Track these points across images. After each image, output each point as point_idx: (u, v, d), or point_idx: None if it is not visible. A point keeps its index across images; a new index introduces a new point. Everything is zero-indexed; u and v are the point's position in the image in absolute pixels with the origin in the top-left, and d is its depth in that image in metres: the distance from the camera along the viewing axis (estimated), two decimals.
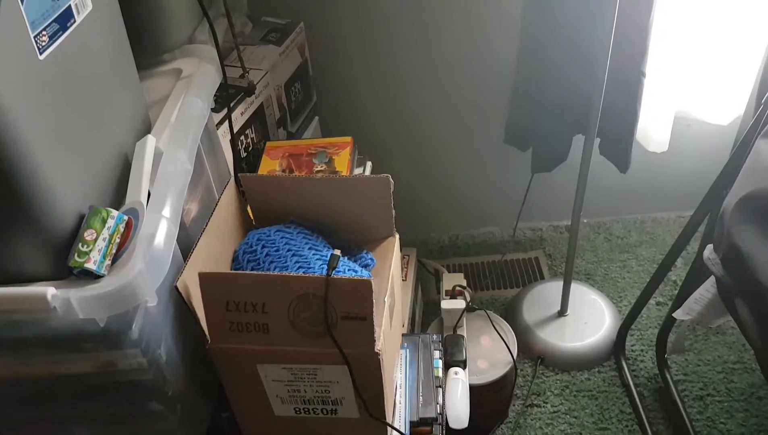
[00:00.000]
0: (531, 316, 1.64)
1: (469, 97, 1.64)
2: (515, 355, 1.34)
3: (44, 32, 0.64)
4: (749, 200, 0.84)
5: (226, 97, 1.07)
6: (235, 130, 1.10)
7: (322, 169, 1.15)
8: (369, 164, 1.25)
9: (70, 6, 0.68)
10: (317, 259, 0.82)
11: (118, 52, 0.82)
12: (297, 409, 0.84)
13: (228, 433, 0.91)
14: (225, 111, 1.07)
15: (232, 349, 0.76)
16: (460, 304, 1.31)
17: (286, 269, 0.81)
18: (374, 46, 1.56)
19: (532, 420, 1.47)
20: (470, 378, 1.21)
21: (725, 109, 1.51)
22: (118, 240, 0.69)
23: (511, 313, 1.68)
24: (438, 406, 0.98)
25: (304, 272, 0.80)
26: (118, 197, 0.77)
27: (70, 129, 0.70)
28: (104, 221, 0.68)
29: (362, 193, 0.88)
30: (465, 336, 1.27)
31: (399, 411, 0.95)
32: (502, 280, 1.83)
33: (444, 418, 0.99)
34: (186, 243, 0.82)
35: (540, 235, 1.93)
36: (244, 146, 1.19)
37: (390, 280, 0.86)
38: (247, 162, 1.20)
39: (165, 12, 1.01)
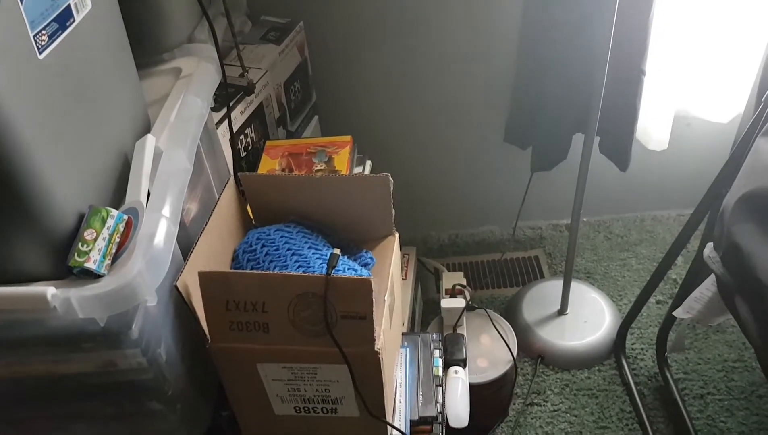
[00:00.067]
0: (531, 315, 1.64)
1: (469, 95, 1.64)
2: (515, 354, 1.34)
3: (44, 32, 0.64)
4: (749, 198, 0.84)
5: (225, 97, 1.07)
6: (234, 130, 1.10)
7: (321, 168, 1.15)
8: (368, 163, 1.25)
9: (69, 5, 0.68)
10: (317, 259, 0.82)
11: (117, 51, 0.82)
12: (297, 408, 0.84)
13: (228, 432, 0.91)
14: (224, 110, 1.07)
15: (232, 348, 0.76)
16: (460, 302, 1.31)
17: (286, 268, 0.81)
18: (374, 45, 1.56)
19: (532, 419, 1.47)
20: (470, 377, 1.22)
21: (725, 107, 1.51)
22: (117, 239, 0.69)
23: (511, 311, 1.68)
24: (438, 405, 0.98)
25: (303, 271, 0.80)
26: (117, 197, 0.77)
27: (69, 128, 0.69)
28: (104, 221, 0.68)
29: (362, 192, 0.88)
30: (465, 335, 1.27)
31: (399, 410, 0.95)
32: (501, 278, 1.83)
33: (444, 416, 0.99)
34: (186, 242, 0.82)
35: (540, 234, 1.93)
36: (243, 145, 1.19)
37: (390, 279, 0.86)
38: (246, 161, 1.20)
39: (164, 11, 1.01)
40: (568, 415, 1.46)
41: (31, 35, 0.62)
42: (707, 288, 1.01)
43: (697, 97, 1.53)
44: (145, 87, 0.91)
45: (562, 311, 1.63)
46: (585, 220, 1.93)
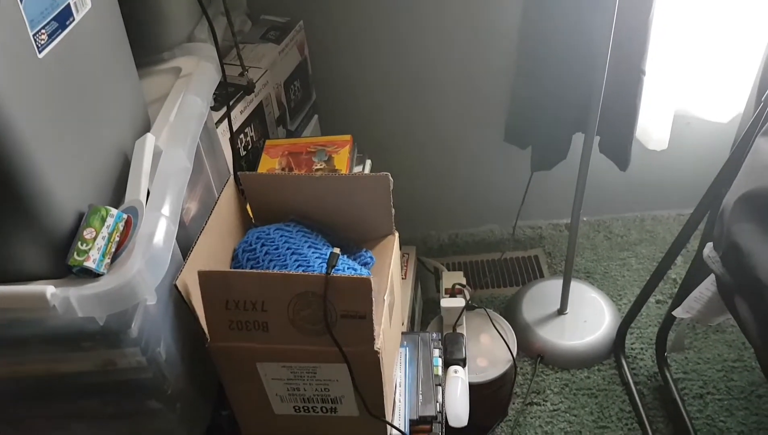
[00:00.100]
0: (531, 315, 1.64)
1: (469, 95, 1.64)
2: (515, 354, 1.34)
3: (43, 31, 0.64)
4: (749, 198, 0.84)
5: (225, 96, 1.07)
6: (234, 129, 1.10)
7: (321, 167, 1.15)
8: (368, 162, 1.25)
9: (69, 4, 0.68)
10: (317, 258, 0.82)
11: (117, 50, 0.82)
12: (297, 408, 0.84)
13: (228, 431, 0.91)
14: (224, 109, 1.07)
15: (232, 347, 0.76)
16: (459, 302, 1.31)
17: (286, 268, 0.81)
18: (374, 44, 1.56)
19: (531, 418, 1.47)
20: (470, 376, 1.22)
21: (725, 106, 1.51)
22: (117, 238, 0.69)
23: (510, 311, 1.68)
24: (438, 404, 0.98)
25: (303, 271, 0.80)
26: (117, 196, 0.77)
27: (69, 127, 0.69)
28: (103, 220, 0.68)
29: (362, 192, 0.88)
30: (465, 334, 1.27)
31: (399, 409, 0.95)
32: (501, 278, 1.83)
33: (444, 416, 0.99)
34: (185, 242, 0.82)
35: (540, 234, 1.93)
36: (243, 145, 1.19)
37: (389, 279, 0.86)
38: (246, 160, 1.20)
39: (164, 10, 1.01)
40: (568, 414, 1.47)
41: (31, 34, 0.62)
42: (707, 288, 1.01)
43: (697, 96, 1.53)
44: (145, 86, 0.91)
45: (561, 311, 1.63)
46: (585, 219, 1.93)
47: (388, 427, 0.87)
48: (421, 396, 0.98)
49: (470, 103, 1.66)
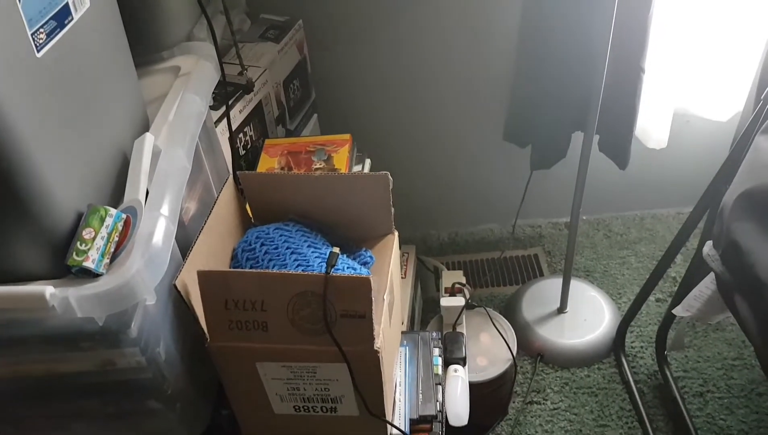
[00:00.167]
0: (530, 313, 1.64)
1: (469, 94, 1.64)
2: (515, 353, 1.34)
3: (41, 30, 0.64)
4: (748, 196, 0.84)
5: (224, 95, 1.07)
6: (233, 128, 1.09)
7: (320, 166, 1.15)
8: (368, 161, 1.25)
9: (67, 3, 0.68)
10: (316, 257, 0.82)
11: (115, 49, 0.82)
12: (296, 407, 0.83)
13: (227, 431, 0.91)
14: (223, 108, 1.06)
15: (232, 347, 0.76)
16: (459, 301, 1.31)
17: (285, 267, 0.81)
18: (373, 43, 1.56)
19: (531, 417, 1.47)
20: (470, 375, 1.22)
21: (724, 105, 1.51)
22: (116, 238, 0.68)
23: (510, 310, 1.68)
24: (438, 403, 0.98)
25: (303, 270, 0.80)
26: (116, 196, 0.77)
27: (67, 127, 0.69)
28: (102, 220, 0.68)
29: (361, 191, 0.88)
30: (464, 333, 1.27)
31: (399, 408, 0.95)
32: (501, 277, 1.83)
33: (444, 415, 0.99)
34: (185, 241, 0.82)
35: (539, 232, 1.93)
36: (242, 144, 1.18)
37: (389, 278, 0.86)
38: (245, 160, 1.19)
39: (163, 9, 1.01)
40: (568, 413, 1.47)
41: (29, 33, 0.62)
42: (707, 286, 1.01)
43: (697, 95, 1.53)
44: (144, 85, 0.90)
45: (561, 309, 1.63)
46: (584, 218, 1.93)
47: (389, 426, 0.87)
48: (421, 395, 0.98)
49: (470, 101, 1.66)
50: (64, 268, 0.66)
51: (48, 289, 0.62)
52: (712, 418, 1.42)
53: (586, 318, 1.62)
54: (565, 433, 1.43)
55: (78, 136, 0.71)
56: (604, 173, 1.61)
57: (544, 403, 1.49)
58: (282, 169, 1.16)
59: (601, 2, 1.17)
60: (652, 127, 1.53)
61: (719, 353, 1.55)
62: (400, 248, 1.03)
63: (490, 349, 1.36)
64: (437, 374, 1.02)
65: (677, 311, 1.10)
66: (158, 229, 0.69)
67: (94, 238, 0.66)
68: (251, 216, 0.95)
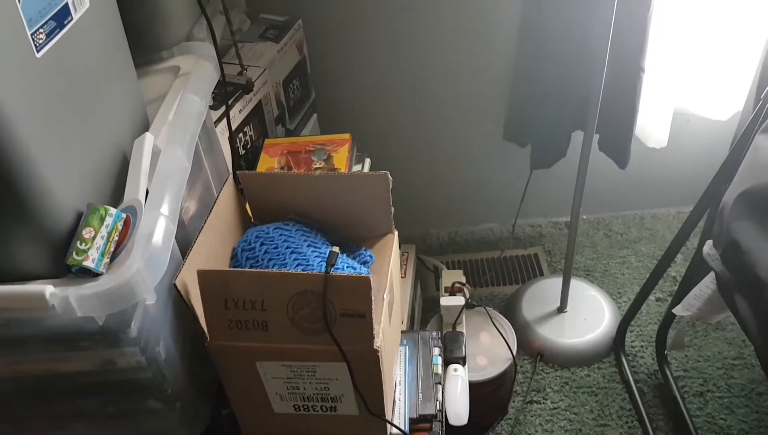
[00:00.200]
0: (530, 313, 1.64)
1: (468, 93, 1.64)
2: (515, 352, 1.34)
3: (41, 30, 0.64)
4: (749, 195, 0.84)
5: (224, 95, 1.07)
6: (233, 128, 1.09)
7: (320, 166, 1.15)
8: (368, 161, 1.25)
9: (67, 3, 0.68)
10: (316, 257, 0.82)
11: (115, 49, 0.82)
12: (296, 407, 0.84)
13: (227, 430, 0.91)
14: (223, 108, 1.06)
15: (231, 346, 0.76)
16: (459, 300, 1.31)
17: (285, 267, 0.81)
18: (372, 43, 1.56)
19: (531, 416, 1.47)
20: (470, 375, 1.22)
21: (724, 104, 1.51)
22: (116, 238, 0.69)
23: (510, 309, 1.68)
24: (437, 403, 0.98)
25: (302, 270, 0.80)
26: (116, 195, 0.77)
27: (67, 127, 0.69)
28: (102, 219, 0.68)
29: (361, 190, 0.88)
30: (464, 333, 1.27)
31: (398, 408, 0.95)
32: (501, 276, 1.83)
33: (443, 415, 0.99)
34: (184, 241, 0.82)
35: (539, 232, 1.93)
36: (242, 144, 1.18)
37: (389, 277, 0.86)
38: (245, 159, 1.20)
39: (163, 9, 1.01)
40: (568, 412, 1.47)
41: (29, 33, 0.62)
42: (707, 285, 1.01)
43: (697, 94, 1.53)
44: (144, 85, 0.90)
45: (561, 309, 1.63)
46: (584, 217, 1.93)
47: (388, 425, 0.87)
48: (421, 394, 0.98)
49: (470, 101, 1.65)
50: (64, 267, 0.66)
51: (48, 289, 0.62)
52: (712, 417, 1.42)
53: (586, 317, 1.62)
54: (565, 432, 1.43)
55: (78, 136, 0.71)
56: (604, 173, 1.61)
57: (544, 403, 1.49)
58: (282, 168, 1.16)
59: (600, 1, 1.17)
60: (652, 126, 1.53)
61: (719, 353, 1.55)
62: (399, 247, 1.03)
63: (490, 349, 1.36)
64: (437, 373, 1.02)
65: (677, 311, 1.10)
66: (158, 229, 0.69)
67: (94, 238, 0.66)
68: (251, 215, 0.95)
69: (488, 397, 1.36)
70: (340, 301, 0.71)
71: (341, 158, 1.16)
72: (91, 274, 0.66)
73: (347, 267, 0.83)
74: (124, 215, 0.70)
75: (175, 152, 0.80)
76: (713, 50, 1.44)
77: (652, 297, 1.65)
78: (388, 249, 0.90)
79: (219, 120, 1.08)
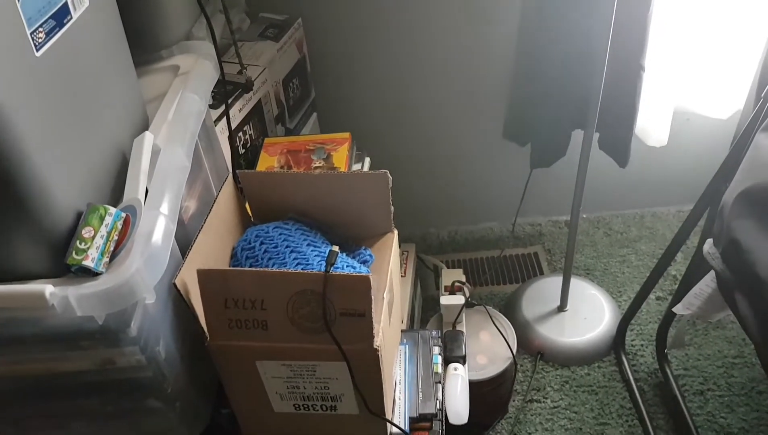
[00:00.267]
0: (530, 312, 1.64)
1: (468, 92, 1.64)
2: (515, 351, 1.34)
3: (41, 29, 0.64)
4: (749, 194, 0.84)
5: (223, 94, 1.07)
6: (233, 127, 1.09)
7: (320, 165, 1.15)
8: (367, 160, 1.25)
9: (66, 2, 0.68)
10: (316, 256, 0.82)
11: (115, 48, 0.82)
12: (296, 406, 0.84)
13: (228, 429, 0.91)
14: (223, 107, 1.06)
15: (231, 345, 0.76)
16: (459, 299, 1.31)
17: (285, 266, 0.81)
18: (372, 41, 1.56)
19: (532, 415, 1.47)
20: (470, 374, 1.22)
21: (725, 103, 1.51)
22: (116, 237, 0.68)
23: (510, 308, 1.68)
24: (438, 401, 0.98)
25: (302, 269, 0.80)
26: (115, 194, 0.77)
27: (67, 126, 0.69)
28: (102, 218, 0.68)
29: (361, 189, 0.88)
30: (464, 332, 1.27)
31: (398, 407, 0.95)
32: (501, 275, 1.83)
33: (444, 413, 0.99)
34: (184, 240, 0.82)
35: (539, 231, 1.93)
36: (242, 143, 1.18)
37: (389, 276, 0.86)
38: (245, 158, 1.19)
39: (162, 8, 1.01)
40: (568, 411, 1.47)
41: (28, 32, 0.62)
42: (707, 284, 1.01)
43: (697, 93, 1.53)
44: (143, 84, 0.90)
45: (561, 308, 1.63)
46: (584, 216, 1.93)
47: (388, 424, 0.87)
48: (421, 393, 0.98)
49: (469, 100, 1.65)
50: (63, 267, 0.66)
51: (48, 288, 0.62)
52: (712, 416, 1.42)
53: (586, 316, 1.62)
54: (565, 431, 1.43)
55: (77, 135, 0.71)
56: (604, 171, 1.61)
57: (544, 402, 1.49)
58: (281, 167, 1.16)
59: (601, 0, 1.17)
60: (652, 125, 1.53)
61: (719, 351, 1.55)
62: (399, 247, 1.03)
63: (490, 348, 1.36)
64: (437, 372, 1.02)
65: (677, 309, 1.10)
66: (158, 228, 0.69)
67: (93, 237, 0.66)
68: (251, 215, 0.95)
69: (488, 396, 1.36)
70: (340, 301, 0.71)
71: (341, 157, 1.16)
72: (90, 274, 0.66)
73: (347, 266, 0.83)
74: (123, 214, 0.70)
75: (175, 151, 0.80)
76: (713, 49, 1.44)
77: (652, 296, 1.64)
78: (387, 248, 0.90)
79: (219, 119, 1.08)
